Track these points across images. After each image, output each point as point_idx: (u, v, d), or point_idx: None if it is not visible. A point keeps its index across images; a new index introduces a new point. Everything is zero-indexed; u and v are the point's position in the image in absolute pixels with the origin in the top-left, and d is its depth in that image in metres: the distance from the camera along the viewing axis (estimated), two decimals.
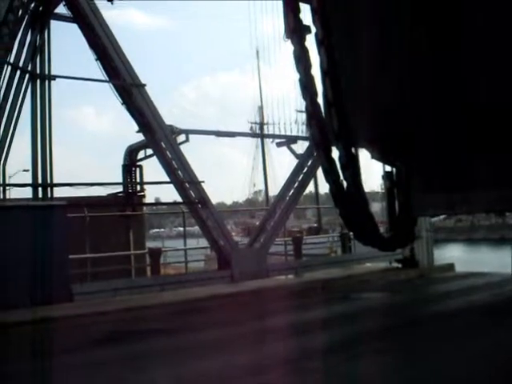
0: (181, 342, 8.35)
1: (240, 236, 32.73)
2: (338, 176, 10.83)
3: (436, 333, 8.20)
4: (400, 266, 16.69)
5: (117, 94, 13.11)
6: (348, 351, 7.18)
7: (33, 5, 12.48)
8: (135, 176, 19.85)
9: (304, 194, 19.90)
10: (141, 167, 19.95)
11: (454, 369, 6.20)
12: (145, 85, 12.99)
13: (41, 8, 12.59)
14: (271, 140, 29.31)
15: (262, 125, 33.04)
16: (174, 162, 13.39)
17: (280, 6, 10.56)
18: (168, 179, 13.73)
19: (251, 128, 32.73)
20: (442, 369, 6.24)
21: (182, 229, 22.37)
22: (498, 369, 6.06)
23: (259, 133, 28.62)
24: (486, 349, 7.07)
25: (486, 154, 9.34)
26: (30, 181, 12.33)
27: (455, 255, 50.97)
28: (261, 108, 35.63)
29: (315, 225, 33.42)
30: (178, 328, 9.51)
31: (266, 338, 8.35)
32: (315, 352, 7.25)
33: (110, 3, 13.49)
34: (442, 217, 51.36)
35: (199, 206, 13.63)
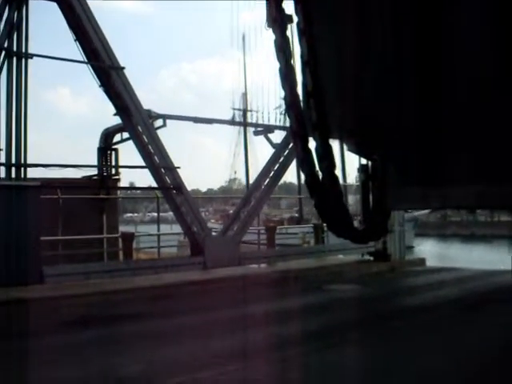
0: (153, 327, 8.34)
1: (219, 223, 32.75)
2: (314, 167, 10.87)
3: (406, 325, 8.30)
4: (372, 258, 16.81)
5: (95, 76, 12.98)
6: (321, 341, 7.23)
7: None
8: (110, 159, 19.72)
9: (279, 183, 19.90)
10: (116, 150, 19.81)
11: (422, 359, 6.27)
12: (123, 68, 12.89)
13: None
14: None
15: (245, 112, 32.73)
16: (150, 147, 13.31)
17: None
18: (144, 164, 13.66)
19: (234, 115, 32.45)
20: (413, 359, 6.35)
21: (155, 214, 22.33)
22: (465, 360, 6.16)
23: (237, 120, 28.51)
24: (453, 341, 7.18)
25: (462, 150, 9.43)
26: (3, 160, 12.16)
27: (426, 249, 51.66)
28: (245, 95, 35.36)
29: (296, 215, 33.56)
30: (150, 313, 9.49)
31: (239, 325, 8.37)
32: (288, 341, 7.28)
33: None
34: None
35: (174, 191, 13.57)
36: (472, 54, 9.51)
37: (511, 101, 8.81)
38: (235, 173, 44.95)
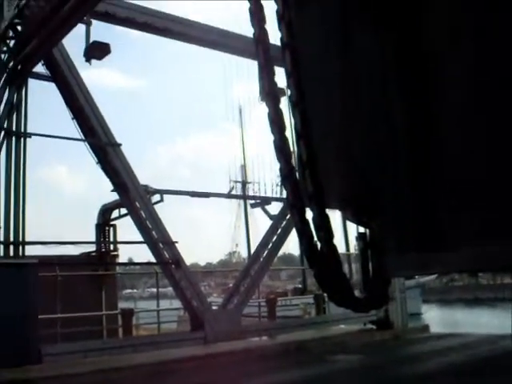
0: None
1: (221, 297, 32.51)
2: (312, 237, 10.89)
3: None
4: (374, 327, 16.62)
5: (92, 153, 13.15)
6: None
7: (11, 64, 12.60)
8: (109, 235, 19.74)
9: (279, 255, 19.90)
10: (114, 226, 19.87)
11: None
12: (120, 144, 13.07)
13: (19, 67, 12.71)
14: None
15: (244, 184, 32.78)
16: (147, 222, 13.35)
17: (254, 68, 10.79)
18: (142, 239, 13.67)
19: (232, 187, 32.47)
20: None
21: (154, 290, 22.20)
22: None
23: (233, 193, 28.57)
24: None
25: (457, 212, 9.49)
26: (1, 238, 12.17)
27: (432, 315, 51.13)
28: (243, 167, 35.51)
29: (300, 286, 33.36)
30: None
31: None
32: None
33: (87, 63, 13.66)
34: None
35: (173, 266, 13.53)
36: (462, 115, 9.71)
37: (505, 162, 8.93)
38: (237, 245, 44.91)
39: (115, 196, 14.98)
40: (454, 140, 8.88)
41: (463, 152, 8.65)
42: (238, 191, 33.32)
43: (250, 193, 30.17)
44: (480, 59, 7.84)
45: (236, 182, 32.89)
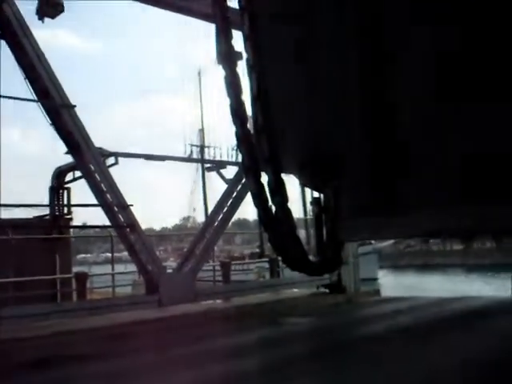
0: (109, 368, 8.21)
1: (178, 261, 32.47)
2: (267, 201, 10.99)
3: (363, 354, 8.37)
4: (327, 291, 16.91)
5: (45, 115, 12.90)
6: (274, 374, 7.22)
7: None
8: (62, 198, 19.54)
9: (233, 220, 19.96)
10: (68, 189, 19.67)
11: None
12: (74, 106, 12.83)
13: None
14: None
15: (202, 148, 32.39)
16: (102, 185, 13.23)
17: (212, 30, 10.69)
18: (96, 202, 13.55)
19: (191, 151, 32.12)
20: None
21: (109, 254, 22.14)
22: None
23: (190, 157, 28.30)
24: (406, 368, 7.28)
25: (412, 178, 9.66)
26: None
27: (386, 281, 52.23)
28: (201, 131, 35.14)
29: (258, 250, 33.63)
30: (105, 353, 9.34)
31: (196, 362, 8.31)
32: (245, 375, 7.26)
33: (40, 22, 13.33)
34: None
35: (127, 229, 13.47)
36: (420, 83, 9.81)
37: (459, 131, 9.09)
38: (194, 210, 44.74)
39: (70, 158, 14.80)
40: (408, 109, 8.97)
41: (416, 122, 8.82)
42: (195, 155, 32.99)
43: (206, 157, 30.01)
44: (436, 40, 7.93)
45: (193, 145, 32.57)
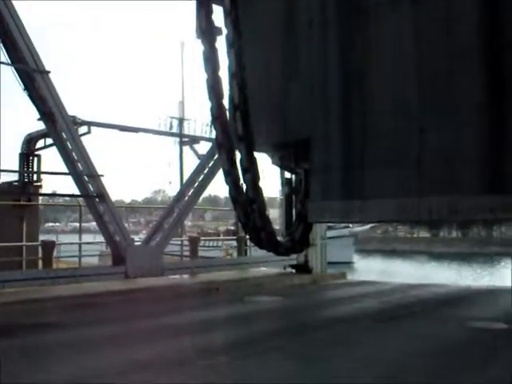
0: (72, 337, 8.20)
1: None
2: (238, 178, 11.04)
3: (325, 336, 8.48)
4: (294, 271, 17.02)
5: (19, 80, 12.69)
6: (237, 351, 7.28)
7: None
8: (33, 165, 19.34)
9: (205, 196, 19.96)
10: (39, 157, 19.46)
11: (335, 369, 6.47)
12: (49, 72, 12.63)
13: None
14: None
15: (181, 121, 31.82)
16: (73, 154, 13.10)
17: (193, 5, 10.62)
18: (67, 171, 13.43)
19: (171, 123, 31.45)
20: (325, 368, 6.48)
21: (77, 224, 21.98)
22: (378, 371, 6.36)
23: (165, 130, 27.89)
24: (369, 352, 7.40)
25: (381, 166, 9.74)
26: None
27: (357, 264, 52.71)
28: (182, 103, 34.54)
29: (233, 227, 33.49)
30: (69, 323, 9.34)
31: (159, 335, 8.34)
32: (205, 351, 7.30)
33: None
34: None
35: (97, 199, 13.39)
36: (393, 73, 9.87)
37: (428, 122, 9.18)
38: (170, 183, 44.17)
39: (42, 125, 14.62)
40: (385, 97, 9.07)
41: (394, 111, 8.86)
42: (174, 128, 32.18)
43: (184, 131, 29.64)
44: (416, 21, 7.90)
45: (173, 118, 31.93)
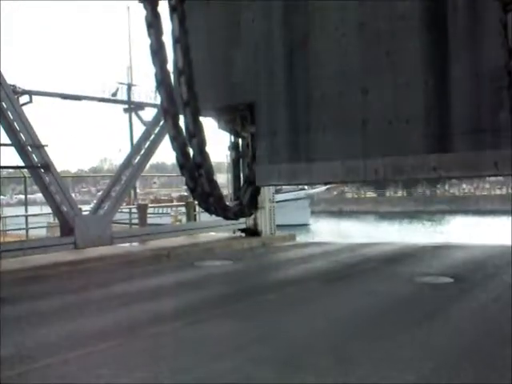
0: (23, 310, 8.14)
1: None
2: (185, 144, 11.01)
3: (275, 298, 8.61)
4: (243, 235, 17.12)
5: None
6: (189, 316, 7.34)
7: None
8: None
9: (152, 163, 19.81)
10: None
11: (288, 330, 6.62)
12: None
13: None
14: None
15: (130, 87, 31.01)
16: (15, 124, 12.81)
17: None
18: (9, 142, 13.13)
19: (117, 89, 30.65)
20: (278, 330, 6.61)
21: (23, 196, 21.59)
22: (326, 329, 6.50)
23: (108, 98, 27.30)
24: (315, 310, 7.61)
25: (326, 128, 9.87)
26: None
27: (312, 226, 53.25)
28: (130, 68, 33.76)
29: (186, 193, 33.28)
30: (18, 296, 9.25)
31: (109, 304, 8.33)
32: (159, 318, 7.34)
33: None
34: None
35: (42, 170, 13.17)
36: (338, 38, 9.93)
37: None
38: (120, 151, 43.46)
39: None
40: (328, 61, 9.16)
41: (338, 75, 8.99)
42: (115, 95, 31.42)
43: (122, 97, 29.09)
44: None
45: (121, 83, 31.19)
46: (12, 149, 13.17)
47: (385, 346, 5.75)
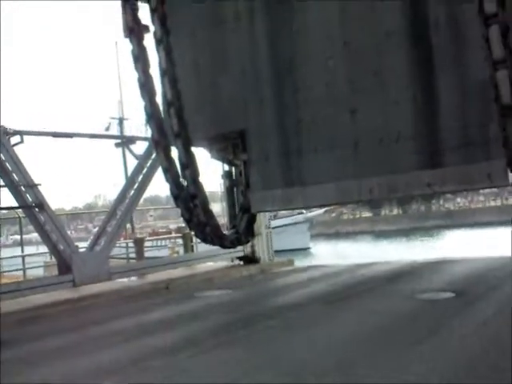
0: (20, 353, 8.05)
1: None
2: (178, 175, 11.02)
3: (276, 324, 8.56)
4: (242, 263, 17.07)
5: None
6: (192, 348, 7.28)
7: None
8: None
9: (146, 196, 19.77)
10: None
11: (292, 354, 6.58)
12: None
13: None
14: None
15: (121, 120, 30.88)
16: (7, 165, 12.81)
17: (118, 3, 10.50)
18: (2, 183, 13.11)
19: (109, 124, 30.57)
20: (282, 354, 6.58)
21: (18, 237, 21.48)
22: (331, 351, 6.45)
23: (99, 133, 27.22)
24: (316, 333, 7.59)
25: (318, 152, 9.88)
26: None
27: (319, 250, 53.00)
28: (120, 103, 33.70)
29: (184, 225, 33.03)
30: (16, 338, 9.15)
31: (110, 341, 8.26)
32: (160, 351, 7.27)
33: None
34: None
35: (36, 209, 13.14)
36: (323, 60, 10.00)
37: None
38: (114, 186, 43.25)
39: None
40: (316, 84, 9.23)
41: (326, 96, 9.03)
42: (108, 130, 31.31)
43: (117, 132, 29.10)
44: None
45: (113, 118, 31.14)
46: (5, 189, 13.17)
47: (389, 366, 5.71)
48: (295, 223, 53.96)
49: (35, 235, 16.49)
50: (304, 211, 53.63)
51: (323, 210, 57.54)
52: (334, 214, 80.00)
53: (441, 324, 7.44)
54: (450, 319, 7.68)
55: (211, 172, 14.76)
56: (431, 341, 6.60)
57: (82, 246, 16.40)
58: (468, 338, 6.65)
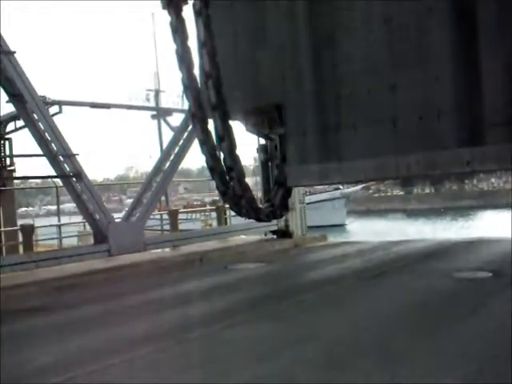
0: (60, 319, 8.19)
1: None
2: (214, 148, 11.02)
3: (313, 298, 8.57)
4: (275, 236, 17.09)
5: None
6: (229, 319, 7.33)
7: None
8: (4, 149, 19.11)
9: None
10: (10, 140, 19.22)
11: (331, 328, 6.62)
12: (15, 52, 12.39)
13: None
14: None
15: (158, 92, 30.87)
16: (46, 134, 12.95)
17: None
18: (40, 152, 13.27)
19: (147, 96, 30.61)
20: (322, 328, 6.62)
21: (50, 207, 21.79)
22: (369, 327, 6.46)
23: (136, 105, 27.29)
24: (358, 310, 7.55)
25: (358, 127, 9.80)
26: None
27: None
28: (157, 74, 33.76)
29: (218, 198, 33.18)
30: (55, 305, 9.33)
31: (148, 310, 8.36)
32: (197, 322, 7.34)
33: None
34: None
35: (74, 179, 13.29)
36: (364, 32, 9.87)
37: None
38: (150, 157, 43.33)
39: (11, 108, 14.42)
40: (356, 59, 9.14)
41: (365, 72, 8.96)
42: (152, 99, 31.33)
43: (153, 104, 29.18)
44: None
45: (149, 90, 31.19)
46: (42, 159, 13.33)
47: (431, 342, 5.69)
48: (332, 199, 53.76)
49: (67, 206, 16.72)
50: (341, 187, 53.38)
51: (360, 186, 57.12)
52: (371, 191, 79.38)
53: (478, 302, 7.40)
54: (488, 298, 7.63)
55: (244, 146, 14.76)
56: (471, 320, 6.57)
57: (116, 216, 16.59)
58: (506, 316, 6.59)
